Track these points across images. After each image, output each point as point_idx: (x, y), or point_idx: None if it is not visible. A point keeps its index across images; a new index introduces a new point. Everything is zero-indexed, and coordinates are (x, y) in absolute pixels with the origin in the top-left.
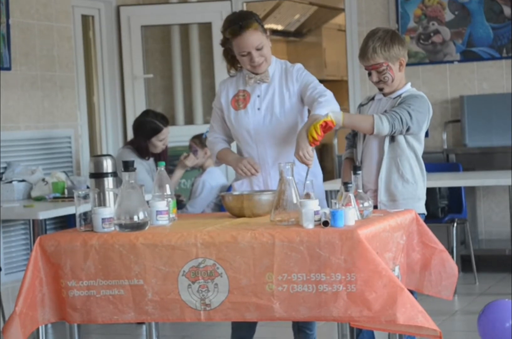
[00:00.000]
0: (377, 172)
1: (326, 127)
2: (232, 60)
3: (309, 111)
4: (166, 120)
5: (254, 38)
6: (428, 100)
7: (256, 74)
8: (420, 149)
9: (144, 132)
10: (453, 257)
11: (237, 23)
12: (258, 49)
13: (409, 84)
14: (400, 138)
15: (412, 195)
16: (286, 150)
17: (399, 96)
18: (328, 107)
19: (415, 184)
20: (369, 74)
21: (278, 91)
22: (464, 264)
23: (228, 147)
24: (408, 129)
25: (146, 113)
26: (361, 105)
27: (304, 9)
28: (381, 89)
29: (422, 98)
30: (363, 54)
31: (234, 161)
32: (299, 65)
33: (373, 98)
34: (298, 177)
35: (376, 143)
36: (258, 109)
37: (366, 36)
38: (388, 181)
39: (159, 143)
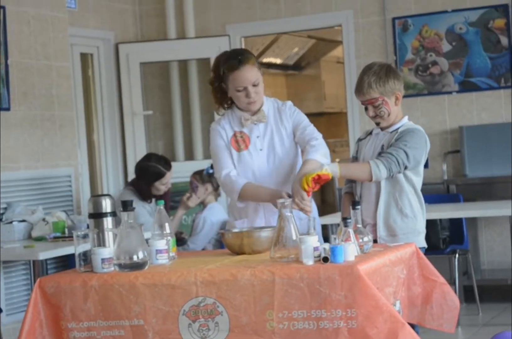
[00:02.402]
0: (375, 207)
1: (319, 179)
2: (221, 99)
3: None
4: (169, 164)
5: (252, 73)
6: (425, 134)
7: (249, 111)
8: (418, 182)
9: (147, 176)
10: (455, 288)
11: (236, 58)
12: (254, 85)
13: (406, 118)
14: (398, 174)
15: (411, 230)
16: (288, 188)
17: (396, 130)
18: (321, 151)
19: (415, 218)
20: (366, 108)
21: (276, 131)
22: (467, 294)
23: (250, 181)
24: (405, 168)
25: (148, 157)
26: (359, 140)
27: (303, 42)
28: (377, 124)
29: (418, 133)
30: (359, 89)
31: (272, 197)
32: (290, 103)
33: (371, 133)
34: (298, 215)
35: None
36: (261, 149)
37: (362, 71)
38: (387, 216)
39: (162, 187)
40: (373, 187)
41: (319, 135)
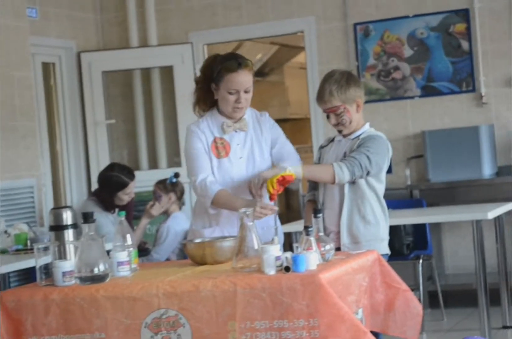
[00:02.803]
0: (338, 215)
1: (283, 181)
2: (203, 100)
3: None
4: (132, 173)
5: (248, 79)
6: (386, 140)
7: (231, 118)
8: (381, 189)
9: (110, 186)
10: (420, 293)
11: (236, 60)
12: (246, 92)
13: (367, 125)
14: (360, 180)
15: (374, 237)
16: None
17: (358, 137)
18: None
19: (377, 225)
20: (328, 116)
21: (256, 140)
22: (432, 300)
23: (225, 189)
24: (368, 173)
25: (111, 166)
26: (321, 147)
27: (266, 48)
28: (340, 131)
29: (380, 139)
30: (320, 97)
31: (245, 206)
32: (267, 114)
33: (333, 140)
34: (261, 224)
35: (337, 186)
36: (240, 157)
37: (323, 78)
38: (350, 223)
39: (125, 197)
40: (336, 194)
41: (297, 156)
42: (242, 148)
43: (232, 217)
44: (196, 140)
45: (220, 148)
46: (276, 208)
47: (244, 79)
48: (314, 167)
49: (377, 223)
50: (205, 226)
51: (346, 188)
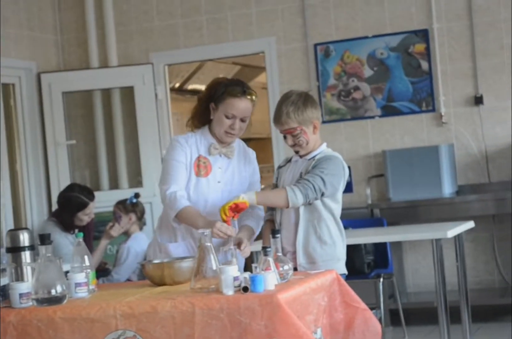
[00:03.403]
0: (295, 235)
1: (237, 208)
2: (199, 117)
3: None
4: (92, 194)
5: (247, 108)
6: (342, 161)
7: (221, 142)
8: (337, 209)
9: (70, 207)
10: (381, 311)
11: (242, 87)
12: (242, 120)
13: (324, 145)
14: (316, 201)
15: (331, 257)
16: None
17: (314, 157)
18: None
19: (334, 245)
20: (284, 137)
21: (237, 169)
22: (393, 318)
23: (192, 206)
24: (322, 194)
25: (71, 187)
26: (279, 167)
27: (228, 68)
28: (297, 152)
29: (335, 160)
30: (277, 118)
31: (206, 225)
32: (254, 153)
33: (290, 160)
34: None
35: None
36: (219, 181)
37: (279, 100)
38: (306, 244)
39: (85, 217)
40: (292, 215)
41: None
42: (223, 173)
43: (196, 233)
44: (180, 153)
45: (201, 167)
46: (234, 231)
47: (244, 106)
48: (267, 193)
49: (333, 243)
50: (171, 240)
51: (302, 209)
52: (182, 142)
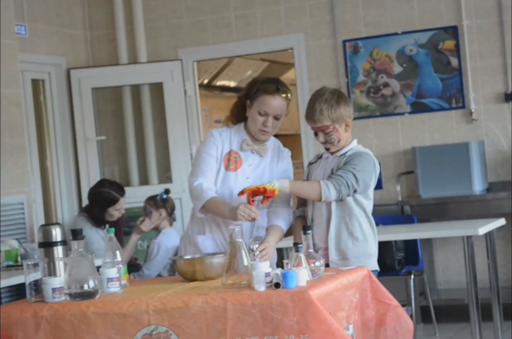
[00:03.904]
0: (326, 231)
1: (265, 192)
2: (237, 113)
3: None
4: (122, 189)
5: (281, 106)
6: (373, 157)
7: (254, 139)
8: (369, 205)
9: (101, 202)
10: (412, 308)
11: (276, 84)
12: (276, 118)
13: (355, 141)
14: (348, 197)
15: (363, 253)
16: (261, 219)
17: (345, 154)
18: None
19: (365, 241)
20: (316, 133)
21: (269, 167)
22: (424, 315)
23: (218, 196)
24: (355, 191)
25: (101, 183)
26: (310, 164)
27: (256, 65)
28: (327, 149)
29: (366, 156)
30: (310, 116)
31: (231, 211)
32: (289, 153)
33: (321, 156)
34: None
35: (324, 203)
36: (247, 178)
37: (312, 97)
38: (338, 240)
39: (115, 213)
40: (324, 211)
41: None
42: (252, 170)
43: (223, 226)
44: (212, 146)
45: (231, 161)
46: (258, 213)
47: (277, 104)
48: (301, 184)
49: (365, 239)
50: (200, 233)
51: (333, 205)
52: (216, 135)
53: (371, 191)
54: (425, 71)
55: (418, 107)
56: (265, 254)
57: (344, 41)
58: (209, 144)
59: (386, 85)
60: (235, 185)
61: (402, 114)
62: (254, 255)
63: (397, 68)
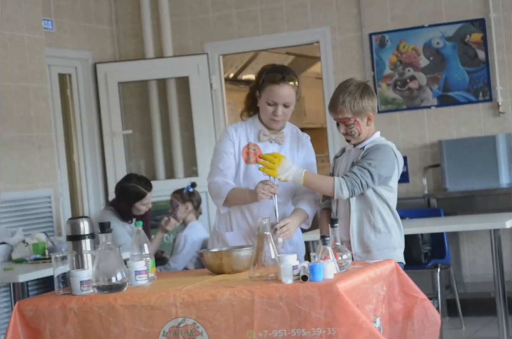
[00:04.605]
0: (349, 224)
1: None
2: (250, 105)
3: None
4: (149, 184)
5: (288, 93)
6: (393, 149)
7: (269, 129)
8: (391, 197)
9: (128, 197)
10: (438, 302)
11: (281, 73)
12: (285, 106)
13: (377, 134)
14: (368, 190)
15: (386, 245)
16: (287, 209)
17: (364, 147)
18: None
19: (389, 233)
20: (338, 124)
21: (289, 154)
22: (450, 308)
23: (235, 186)
24: (369, 187)
25: (129, 177)
26: (335, 157)
27: (281, 58)
28: (348, 141)
29: (385, 149)
30: (333, 107)
31: (251, 194)
32: (309, 137)
33: (345, 150)
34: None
35: None
36: None
37: (337, 88)
38: (361, 233)
39: (142, 207)
40: (346, 204)
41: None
42: None
43: (251, 221)
44: (228, 143)
45: (251, 154)
46: (276, 187)
47: (284, 93)
48: (316, 178)
49: (388, 231)
50: (227, 229)
51: (353, 198)
52: (231, 132)
53: (393, 183)
54: (452, 64)
55: (444, 100)
56: (286, 230)
57: (371, 34)
58: (225, 141)
59: (412, 78)
60: (258, 177)
61: (429, 107)
62: (275, 232)
63: (423, 61)
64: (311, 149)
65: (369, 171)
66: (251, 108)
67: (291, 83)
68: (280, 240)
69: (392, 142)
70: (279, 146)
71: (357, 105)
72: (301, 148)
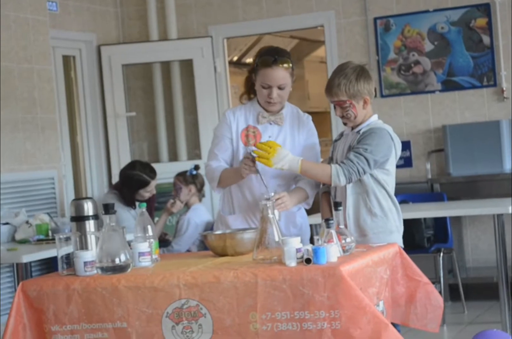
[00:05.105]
0: (345, 208)
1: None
2: (248, 88)
3: None
4: (153, 172)
5: (281, 76)
6: (389, 132)
7: (267, 111)
8: (389, 181)
9: (131, 185)
10: (440, 286)
11: (273, 56)
12: (280, 88)
13: (375, 116)
14: (365, 175)
15: (382, 229)
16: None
17: (360, 130)
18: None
19: (385, 217)
20: (334, 107)
21: (290, 136)
22: (452, 293)
23: (225, 167)
24: (366, 173)
25: (133, 164)
26: (335, 141)
27: (285, 42)
28: (345, 124)
29: (380, 132)
30: (328, 89)
31: (237, 171)
32: (310, 117)
33: (343, 134)
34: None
35: None
36: None
37: (334, 70)
38: (357, 217)
39: (146, 194)
40: (343, 188)
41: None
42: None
43: (253, 204)
44: (224, 127)
45: (250, 136)
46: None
47: (277, 75)
48: (313, 166)
49: (385, 215)
50: (230, 212)
51: (348, 184)
52: (228, 115)
53: (390, 166)
54: (457, 49)
55: (449, 85)
56: (281, 203)
57: (375, 19)
58: (221, 126)
59: (417, 63)
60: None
61: (433, 92)
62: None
63: (428, 46)
64: (313, 129)
65: (365, 158)
66: (250, 91)
67: (285, 65)
68: (276, 213)
69: (389, 126)
70: (279, 128)
71: (352, 88)
72: (302, 129)
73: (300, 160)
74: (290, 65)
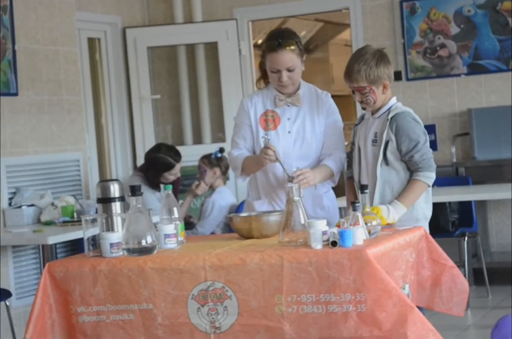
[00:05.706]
0: (372, 194)
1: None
2: (264, 74)
3: None
4: (178, 155)
5: (287, 58)
6: (415, 116)
7: (283, 93)
8: None
9: (156, 167)
10: (465, 270)
11: (277, 40)
12: (289, 70)
13: (393, 99)
14: (395, 162)
15: (408, 217)
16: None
17: (382, 115)
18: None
19: (411, 206)
20: (353, 92)
21: (309, 116)
22: (476, 277)
23: (247, 155)
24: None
25: (158, 147)
26: (355, 125)
27: (310, 25)
28: (364, 108)
29: (411, 120)
30: (348, 75)
31: (258, 159)
32: (329, 94)
33: (364, 117)
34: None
35: (371, 166)
36: (289, 132)
37: (353, 56)
38: (382, 203)
39: (171, 177)
40: (370, 175)
41: (340, 151)
42: (292, 123)
43: (279, 189)
44: (243, 114)
45: (269, 121)
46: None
47: (283, 59)
48: (411, 195)
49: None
50: (256, 198)
51: (379, 169)
52: (245, 102)
53: None
54: (483, 32)
55: (474, 69)
56: (303, 179)
57: (401, 1)
58: (240, 114)
59: (442, 46)
60: (279, 142)
61: (459, 75)
62: (291, 181)
63: (454, 29)
64: (332, 106)
65: (425, 152)
66: (265, 76)
67: (291, 47)
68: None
69: (411, 108)
70: (297, 109)
71: (373, 74)
72: (322, 107)
73: (397, 201)
74: (295, 46)
